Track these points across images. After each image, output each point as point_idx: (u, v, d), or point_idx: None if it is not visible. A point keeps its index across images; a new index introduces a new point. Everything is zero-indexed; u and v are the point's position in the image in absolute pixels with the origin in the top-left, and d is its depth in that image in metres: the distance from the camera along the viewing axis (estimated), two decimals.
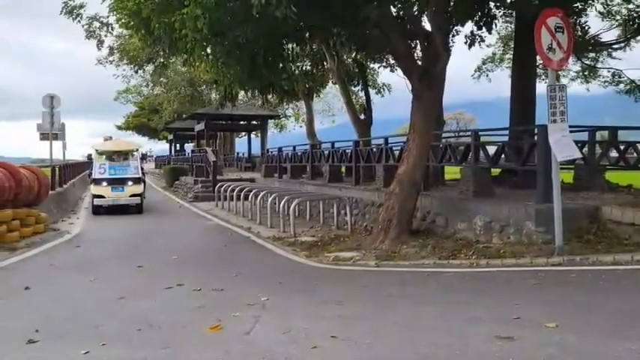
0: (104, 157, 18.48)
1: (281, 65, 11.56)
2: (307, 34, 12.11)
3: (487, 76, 24.05)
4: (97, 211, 17.24)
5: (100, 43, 19.74)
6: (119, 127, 54.71)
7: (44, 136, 18.18)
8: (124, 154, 18.77)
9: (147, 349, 4.61)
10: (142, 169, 19.35)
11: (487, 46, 21.11)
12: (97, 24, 18.08)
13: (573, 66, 20.69)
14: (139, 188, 17.76)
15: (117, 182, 17.46)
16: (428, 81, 9.65)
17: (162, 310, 5.93)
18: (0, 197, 11.15)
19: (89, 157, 22.88)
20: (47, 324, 5.49)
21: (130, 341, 4.90)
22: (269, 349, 4.52)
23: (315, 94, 25.46)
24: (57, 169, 18.60)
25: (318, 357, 4.23)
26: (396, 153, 13.48)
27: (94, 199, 17.42)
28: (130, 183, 17.59)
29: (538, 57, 10.55)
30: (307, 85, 21.61)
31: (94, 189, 17.80)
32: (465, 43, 11.33)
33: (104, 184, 17.42)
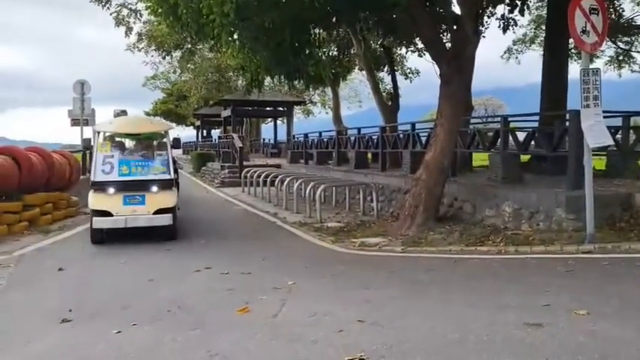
0: (111, 144, 10.25)
1: (307, 51, 11.52)
2: (334, 19, 12.02)
3: (517, 58, 23.54)
4: (99, 238, 9.47)
5: (129, 30, 19.95)
6: (147, 113, 55.34)
7: (75, 122, 18.51)
8: (146, 140, 10.65)
9: (176, 330, 4.70)
10: (175, 162, 11.21)
11: (520, 26, 20.66)
12: (125, 11, 18.29)
13: (608, 50, 20.17)
14: (170, 198, 9.75)
15: (133, 188, 9.62)
16: (457, 66, 9.51)
17: (191, 292, 6.02)
18: (33, 181, 11.41)
19: (86, 145, 12.99)
20: (80, 304, 5.63)
21: (159, 322, 4.99)
22: (296, 331, 4.56)
23: (341, 80, 25.33)
24: (87, 154, 18.92)
25: (344, 340, 4.24)
26: (423, 139, 13.35)
27: (94, 219, 9.42)
28: (154, 189, 9.64)
29: (571, 40, 10.30)
30: (334, 71, 21.48)
31: (93, 200, 9.54)
32: (499, 27, 11.13)
33: (111, 190, 9.51)
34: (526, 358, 3.69)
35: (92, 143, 11.23)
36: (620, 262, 6.64)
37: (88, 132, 19.52)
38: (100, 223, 9.38)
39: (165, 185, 9.82)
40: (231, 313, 5.16)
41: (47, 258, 8.29)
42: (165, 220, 9.52)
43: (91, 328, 4.91)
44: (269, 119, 43.23)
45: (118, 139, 10.60)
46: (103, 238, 9.47)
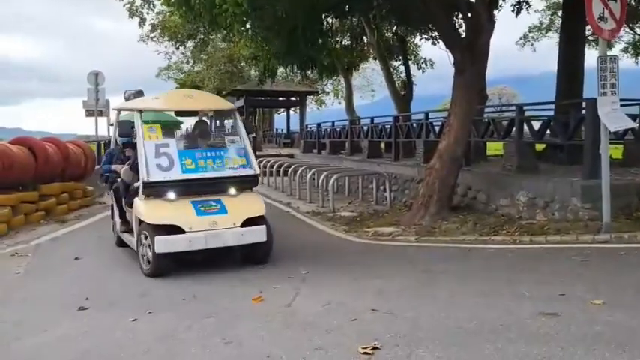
0: (154, 129, 6.93)
1: (320, 40, 11.49)
2: (347, 8, 11.95)
3: (532, 45, 23.25)
4: (165, 267, 6.39)
5: (142, 20, 19.97)
6: None
7: (89, 113, 18.67)
8: (204, 123, 8.03)
9: (192, 318, 4.74)
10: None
11: (535, 11, 20.33)
12: (139, 1, 18.30)
13: (625, 36, 19.86)
14: (258, 202, 7.09)
15: (204, 189, 6.78)
16: (471, 54, 9.41)
17: (205, 280, 6.07)
18: (50, 171, 11.53)
19: (125, 130, 7.49)
20: (96, 292, 5.71)
21: (175, 310, 5.05)
22: (309, 320, 4.58)
23: (354, 70, 25.23)
24: (102, 144, 19.08)
25: (358, 329, 4.26)
26: (437, 129, 13.27)
27: (157, 240, 6.22)
28: (234, 190, 6.89)
29: (588, 26, 10.15)
30: (347, 60, 21.40)
31: (148, 210, 6.58)
32: (512, 11, 10.97)
33: (172, 195, 6.59)
34: (541, 347, 3.68)
35: (114, 128, 8.68)
36: (636, 252, 6.58)
37: (102, 122, 19.71)
38: (166, 245, 6.15)
39: (250, 184, 7.09)
40: (245, 301, 5.20)
41: (63, 247, 8.39)
42: (259, 234, 6.57)
43: (108, 315, 4.97)
44: (282, 109, 43.22)
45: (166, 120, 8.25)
46: (169, 266, 6.35)
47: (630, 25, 17.94)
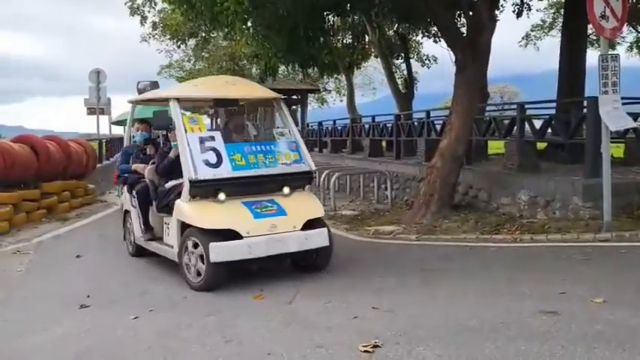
0: (195, 120, 6.14)
1: (321, 38, 11.51)
2: (348, 6, 11.95)
3: (535, 44, 23.21)
4: (219, 279, 5.59)
5: (144, 19, 19.98)
6: None
7: (91, 111, 18.69)
8: (240, 115, 7.52)
9: (192, 316, 4.76)
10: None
11: (537, 10, 20.33)
12: (140, 0, 18.32)
13: (628, 36, 19.84)
14: (316, 201, 6.50)
15: (257, 189, 6.03)
16: (472, 52, 9.40)
17: None
18: (51, 169, 11.55)
19: (163, 122, 6.27)
20: (98, 290, 5.72)
21: (176, 308, 5.07)
22: (310, 318, 4.59)
23: (355, 68, 25.20)
24: (104, 142, 19.11)
25: (359, 327, 4.26)
26: (438, 127, 13.26)
27: (212, 247, 5.39)
28: (285, 189, 6.12)
29: (590, 25, 10.13)
30: (348, 59, 21.39)
31: (198, 213, 5.75)
32: (513, 12, 10.96)
33: (222, 194, 5.74)
34: (541, 346, 3.68)
35: (128, 126, 8.13)
36: (637, 251, 6.57)
37: (104, 121, 19.71)
38: (224, 253, 5.40)
39: (304, 182, 6.42)
40: (246, 300, 5.21)
41: (65, 245, 8.41)
42: (322, 238, 5.89)
43: (109, 313, 4.99)
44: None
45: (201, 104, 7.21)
46: (223, 278, 5.61)
47: (634, 23, 17.88)
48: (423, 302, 4.92)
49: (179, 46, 31.07)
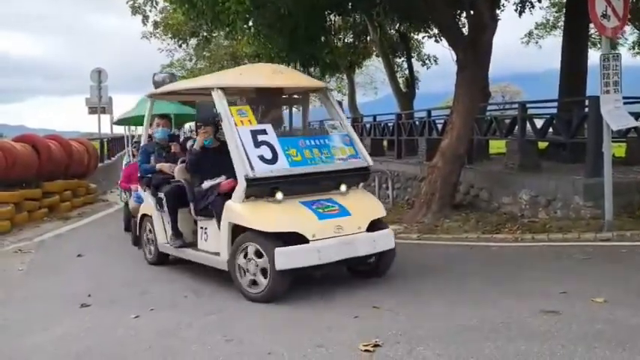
0: (244, 112, 5.48)
1: (323, 38, 11.52)
2: (349, 5, 11.95)
3: (537, 42, 23.15)
4: (283, 289, 5.04)
5: (145, 18, 19.96)
6: None
7: (92, 110, 18.71)
8: (276, 108, 6.84)
9: (193, 315, 4.76)
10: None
11: (540, 8, 20.34)
12: None
13: (630, 35, 19.81)
14: (375, 200, 6.13)
15: (314, 187, 5.48)
16: (473, 52, 9.38)
17: (207, 278, 6.06)
18: (53, 169, 11.57)
19: (207, 115, 5.82)
20: (99, 289, 5.73)
21: (177, 307, 5.07)
22: (310, 316, 4.60)
23: (357, 67, 25.19)
24: (105, 142, 19.13)
25: (359, 326, 4.26)
26: (439, 126, 13.25)
27: (277, 252, 4.83)
28: (342, 187, 5.60)
29: (591, 24, 10.12)
30: (349, 58, 21.37)
31: (256, 214, 5.14)
32: (515, 10, 10.94)
33: (279, 194, 5.17)
34: (542, 345, 3.67)
35: (145, 124, 7.21)
36: (638, 250, 6.56)
37: (105, 120, 19.72)
38: (291, 259, 4.86)
39: (360, 178, 5.92)
40: (245, 298, 5.20)
41: (66, 244, 8.42)
42: (388, 240, 5.51)
43: (110, 312, 4.99)
44: (284, 107, 43.17)
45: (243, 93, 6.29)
46: (287, 287, 5.06)
47: (637, 23, 17.84)
48: (424, 302, 4.91)
49: (180, 46, 31.10)
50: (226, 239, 5.31)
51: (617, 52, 8.10)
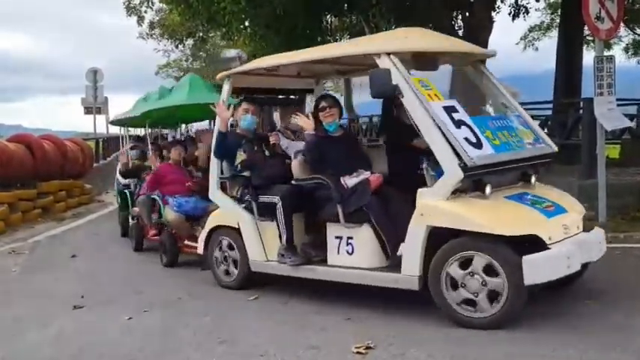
0: (426, 84, 4.46)
1: (319, 38, 11.52)
2: (345, 6, 11.97)
3: (533, 45, 23.22)
4: (522, 304, 3.94)
5: (141, 19, 19.92)
6: None
7: (88, 110, 18.69)
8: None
9: (188, 316, 4.76)
10: None
11: (535, 10, 20.43)
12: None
13: (625, 38, 19.90)
14: (568, 195, 5.03)
15: (507, 178, 4.53)
16: None
17: (202, 280, 6.06)
18: (47, 169, 11.54)
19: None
20: (92, 291, 5.72)
21: (171, 308, 5.06)
22: (306, 317, 4.59)
23: None
24: (100, 142, 19.09)
25: (353, 328, 4.26)
26: None
27: (526, 262, 3.74)
28: (533, 179, 4.66)
29: (586, 27, 10.15)
30: None
31: (483, 215, 4.01)
32: (509, 14, 10.99)
33: (487, 187, 4.14)
34: (532, 347, 3.68)
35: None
36: (632, 252, 6.58)
37: (101, 120, 19.68)
38: (544, 269, 3.84)
39: (544, 167, 5.02)
40: (241, 300, 5.20)
41: (61, 245, 8.40)
42: (604, 244, 4.76)
43: (104, 313, 4.98)
44: None
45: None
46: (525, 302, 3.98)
47: (631, 25, 17.94)
48: (417, 303, 4.90)
49: (177, 46, 31.09)
50: (420, 249, 4.16)
51: (611, 54, 8.13)
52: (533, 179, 4.60)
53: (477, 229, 3.92)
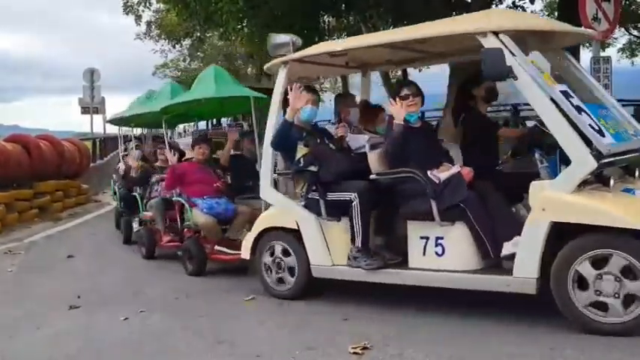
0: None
1: (317, 39, 11.50)
2: (343, 7, 11.96)
3: None
4: None
5: (138, 18, 19.94)
6: None
7: (85, 110, 18.66)
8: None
9: (184, 317, 4.75)
10: None
11: (532, 12, 20.51)
12: None
13: (621, 38, 19.98)
14: None
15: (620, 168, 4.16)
16: None
17: (199, 280, 6.06)
18: (44, 169, 11.52)
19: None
20: (88, 291, 5.70)
21: (167, 309, 5.04)
22: (304, 318, 4.58)
23: None
24: (97, 141, 19.06)
25: (350, 329, 4.25)
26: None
27: None
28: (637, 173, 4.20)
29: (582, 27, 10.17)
30: None
31: (621, 209, 3.60)
32: None
33: (612, 180, 3.83)
34: (530, 347, 3.67)
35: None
36: None
37: (98, 120, 19.64)
38: None
39: None
40: (238, 301, 5.19)
41: (57, 245, 8.38)
42: None
43: (100, 314, 4.97)
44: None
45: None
46: None
47: (627, 26, 17.99)
48: (414, 304, 4.90)
49: (174, 46, 31.07)
50: (540, 249, 3.75)
51: (607, 55, 8.16)
52: (637, 173, 4.16)
53: (617, 225, 3.49)
